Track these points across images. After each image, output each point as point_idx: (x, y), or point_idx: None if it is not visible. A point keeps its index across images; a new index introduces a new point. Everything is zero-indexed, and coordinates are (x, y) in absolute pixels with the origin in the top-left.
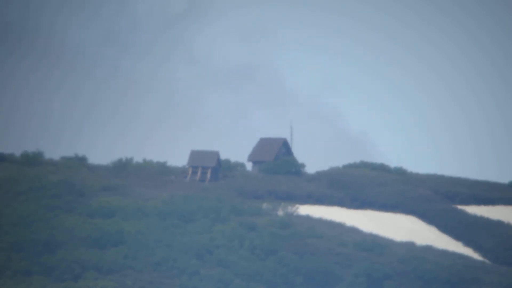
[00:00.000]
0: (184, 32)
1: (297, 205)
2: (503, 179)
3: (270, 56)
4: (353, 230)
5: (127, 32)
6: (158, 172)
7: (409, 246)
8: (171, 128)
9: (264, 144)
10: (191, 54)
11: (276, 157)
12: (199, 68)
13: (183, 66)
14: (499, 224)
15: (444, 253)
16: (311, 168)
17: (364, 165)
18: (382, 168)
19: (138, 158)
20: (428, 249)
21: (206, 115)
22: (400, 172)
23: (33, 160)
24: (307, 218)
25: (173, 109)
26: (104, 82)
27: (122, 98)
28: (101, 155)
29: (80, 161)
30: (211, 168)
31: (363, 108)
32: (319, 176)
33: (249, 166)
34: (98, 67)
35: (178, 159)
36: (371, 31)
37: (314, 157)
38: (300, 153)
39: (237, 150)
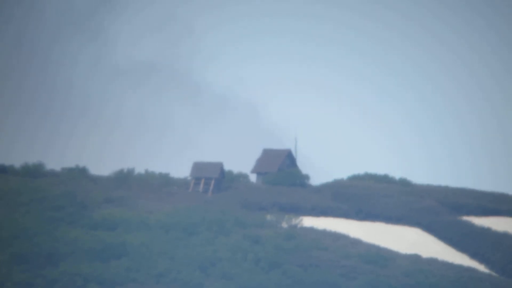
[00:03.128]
0: (97, 24)
1: (301, 217)
2: (510, 190)
3: (184, 49)
4: (358, 242)
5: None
6: (160, 184)
7: (414, 259)
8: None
9: (268, 155)
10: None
11: (280, 169)
12: (108, 63)
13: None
14: (505, 236)
15: (450, 266)
16: (315, 180)
17: (368, 177)
18: (386, 180)
19: (140, 169)
20: (433, 261)
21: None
22: (405, 184)
23: (34, 171)
24: (312, 230)
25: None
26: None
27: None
28: (102, 165)
29: (81, 172)
30: (214, 179)
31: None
32: (324, 188)
33: (253, 177)
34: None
35: (181, 170)
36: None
37: (319, 168)
38: (305, 165)
39: (241, 161)
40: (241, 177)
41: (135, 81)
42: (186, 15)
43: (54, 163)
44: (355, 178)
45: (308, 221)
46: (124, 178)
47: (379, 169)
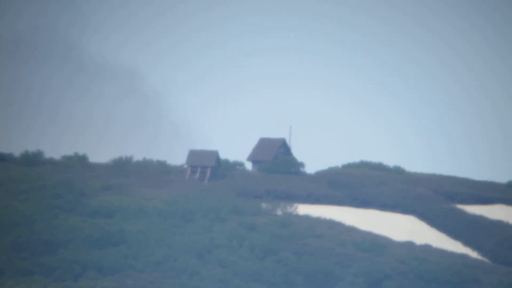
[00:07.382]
0: None
1: (296, 205)
2: (502, 179)
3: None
4: (353, 230)
5: None
6: (158, 171)
7: (409, 246)
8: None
9: (264, 144)
10: None
11: (275, 157)
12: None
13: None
14: (498, 224)
15: (444, 253)
16: (310, 168)
17: (363, 165)
18: (381, 168)
19: (138, 157)
20: (427, 249)
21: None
22: (399, 172)
23: (33, 159)
24: (307, 218)
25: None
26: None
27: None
28: (101, 153)
29: (80, 160)
30: (210, 167)
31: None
32: (319, 176)
33: (248, 166)
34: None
35: (177, 158)
36: None
37: (314, 157)
38: (299, 153)
39: (237, 150)
40: (237, 165)
41: (16, 54)
42: None
43: (53, 151)
44: (350, 166)
45: (303, 209)
46: (122, 166)
47: (373, 157)
